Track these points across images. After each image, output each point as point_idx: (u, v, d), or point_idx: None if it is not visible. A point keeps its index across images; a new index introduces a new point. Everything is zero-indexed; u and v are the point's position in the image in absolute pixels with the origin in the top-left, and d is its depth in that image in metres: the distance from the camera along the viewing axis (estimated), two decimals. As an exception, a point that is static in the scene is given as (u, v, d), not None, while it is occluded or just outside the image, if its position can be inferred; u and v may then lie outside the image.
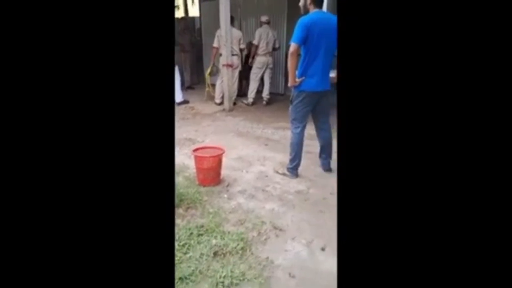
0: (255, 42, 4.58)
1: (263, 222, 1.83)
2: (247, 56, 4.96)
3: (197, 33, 6.37)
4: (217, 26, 4.54)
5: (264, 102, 4.90)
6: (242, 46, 4.71)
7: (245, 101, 4.88)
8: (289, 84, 2.30)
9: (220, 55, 4.51)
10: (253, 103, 4.84)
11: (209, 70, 4.98)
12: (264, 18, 4.63)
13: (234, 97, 4.78)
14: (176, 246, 1.55)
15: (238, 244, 1.60)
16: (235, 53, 4.58)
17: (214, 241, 1.61)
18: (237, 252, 1.56)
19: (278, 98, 5.26)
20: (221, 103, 4.72)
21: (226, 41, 4.30)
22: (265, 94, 4.91)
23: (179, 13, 9.40)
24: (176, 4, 10.88)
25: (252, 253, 1.57)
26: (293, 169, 2.41)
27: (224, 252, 1.55)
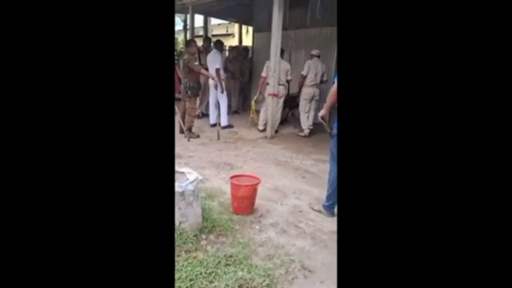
0: (303, 73, 4.65)
1: (292, 260, 1.79)
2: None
3: (249, 61, 6.67)
4: (267, 56, 4.72)
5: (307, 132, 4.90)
6: (289, 77, 4.83)
7: (301, 134, 4.88)
8: (320, 114, 2.33)
9: (267, 84, 4.66)
10: (310, 134, 4.85)
11: (255, 98, 5.14)
12: (315, 52, 4.72)
13: (276, 125, 4.85)
14: (203, 273, 1.57)
15: (264, 280, 1.57)
16: (281, 83, 4.70)
17: (240, 274, 1.60)
18: (262, 289, 1.53)
19: (321, 129, 5.21)
20: (264, 130, 4.81)
21: (274, 71, 4.44)
22: (309, 124, 4.91)
23: (233, 41, 9.97)
24: (231, 32, 11.58)
25: (277, 292, 1.53)
26: (329, 207, 2.34)
27: (249, 286, 1.53)
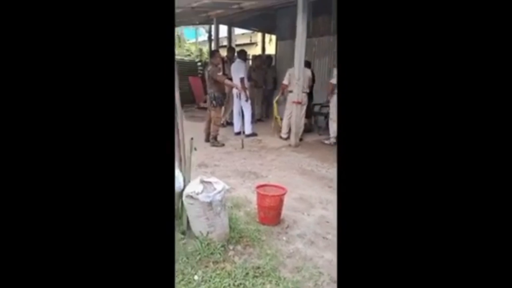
0: (332, 81, 4.58)
1: (320, 273, 1.75)
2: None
3: (272, 70, 6.71)
4: (290, 64, 4.73)
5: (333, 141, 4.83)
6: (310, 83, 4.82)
7: (326, 141, 4.81)
8: None
9: (290, 91, 4.67)
10: (335, 143, 4.77)
11: (277, 98, 5.18)
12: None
13: (300, 133, 4.82)
14: (231, 285, 1.56)
15: (292, 294, 1.55)
16: (305, 91, 4.69)
17: (268, 286, 1.59)
18: (291, 303, 1.50)
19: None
20: (287, 138, 4.79)
21: (298, 79, 4.43)
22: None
23: (257, 50, 10.06)
24: (254, 41, 11.71)
25: (306, 307, 1.50)
26: (358, 218, 2.28)
27: (277, 300, 1.51)
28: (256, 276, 1.66)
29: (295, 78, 4.46)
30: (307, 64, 5.05)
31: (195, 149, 3.75)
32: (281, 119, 5.01)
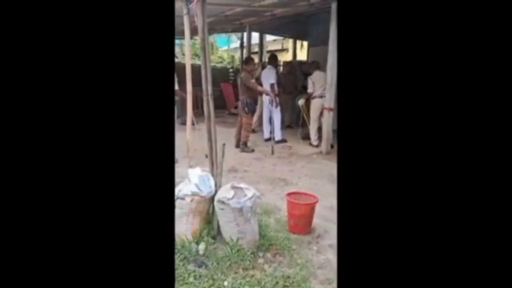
0: None
1: (353, 287, 1.68)
2: None
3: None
4: (323, 70, 4.68)
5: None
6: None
7: None
8: None
9: (313, 98, 4.70)
10: None
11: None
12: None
13: (331, 140, 4.72)
14: (261, 294, 1.55)
15: (323, 307, 1.50)
16: (323, 94, 4.64)
17: (298, 297, 1.55)
18: (322, 316, 1.45)
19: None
20: (318, 145, 4.71)
21: (331, 86, 4.36)
22: None
23: (288, 56, 10.06)
24: (286, 47, 11.72)
25: (338, 322, 1.44)
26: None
27: (308, 312, 1.47)
28: (286, 286, 1.63)
29: (328, 84, 4.40)
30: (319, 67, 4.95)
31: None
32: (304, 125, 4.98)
